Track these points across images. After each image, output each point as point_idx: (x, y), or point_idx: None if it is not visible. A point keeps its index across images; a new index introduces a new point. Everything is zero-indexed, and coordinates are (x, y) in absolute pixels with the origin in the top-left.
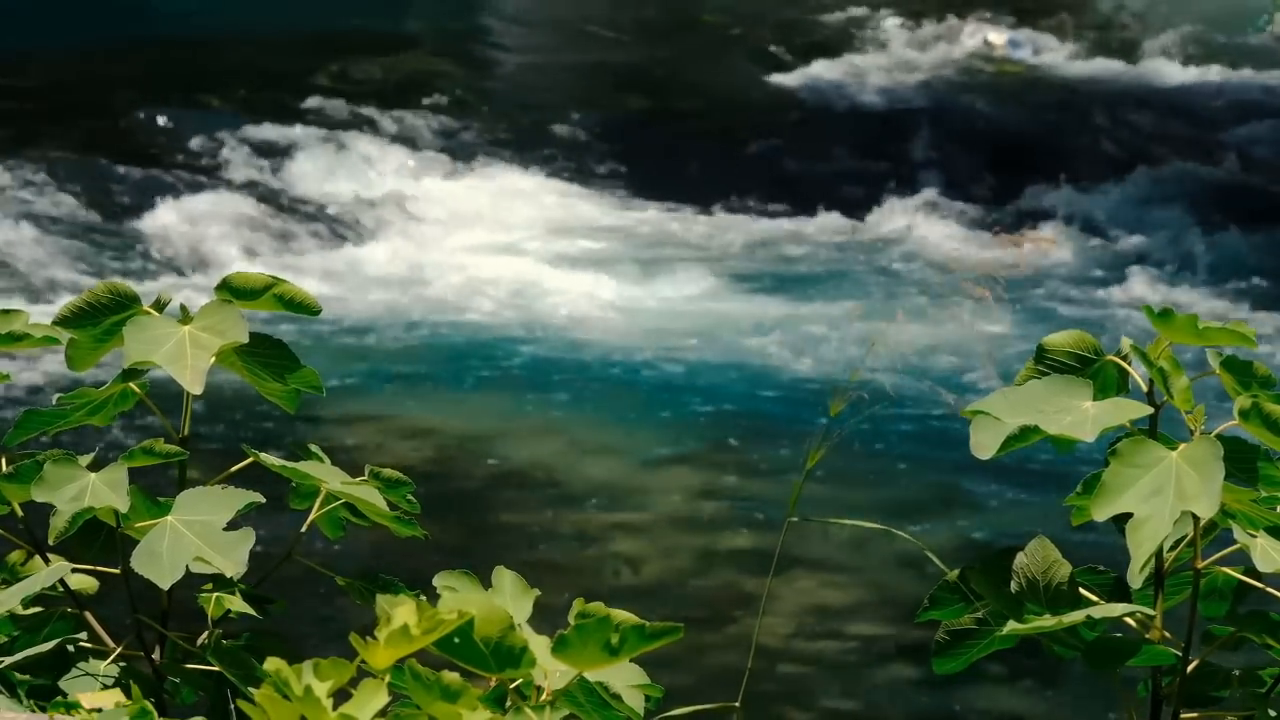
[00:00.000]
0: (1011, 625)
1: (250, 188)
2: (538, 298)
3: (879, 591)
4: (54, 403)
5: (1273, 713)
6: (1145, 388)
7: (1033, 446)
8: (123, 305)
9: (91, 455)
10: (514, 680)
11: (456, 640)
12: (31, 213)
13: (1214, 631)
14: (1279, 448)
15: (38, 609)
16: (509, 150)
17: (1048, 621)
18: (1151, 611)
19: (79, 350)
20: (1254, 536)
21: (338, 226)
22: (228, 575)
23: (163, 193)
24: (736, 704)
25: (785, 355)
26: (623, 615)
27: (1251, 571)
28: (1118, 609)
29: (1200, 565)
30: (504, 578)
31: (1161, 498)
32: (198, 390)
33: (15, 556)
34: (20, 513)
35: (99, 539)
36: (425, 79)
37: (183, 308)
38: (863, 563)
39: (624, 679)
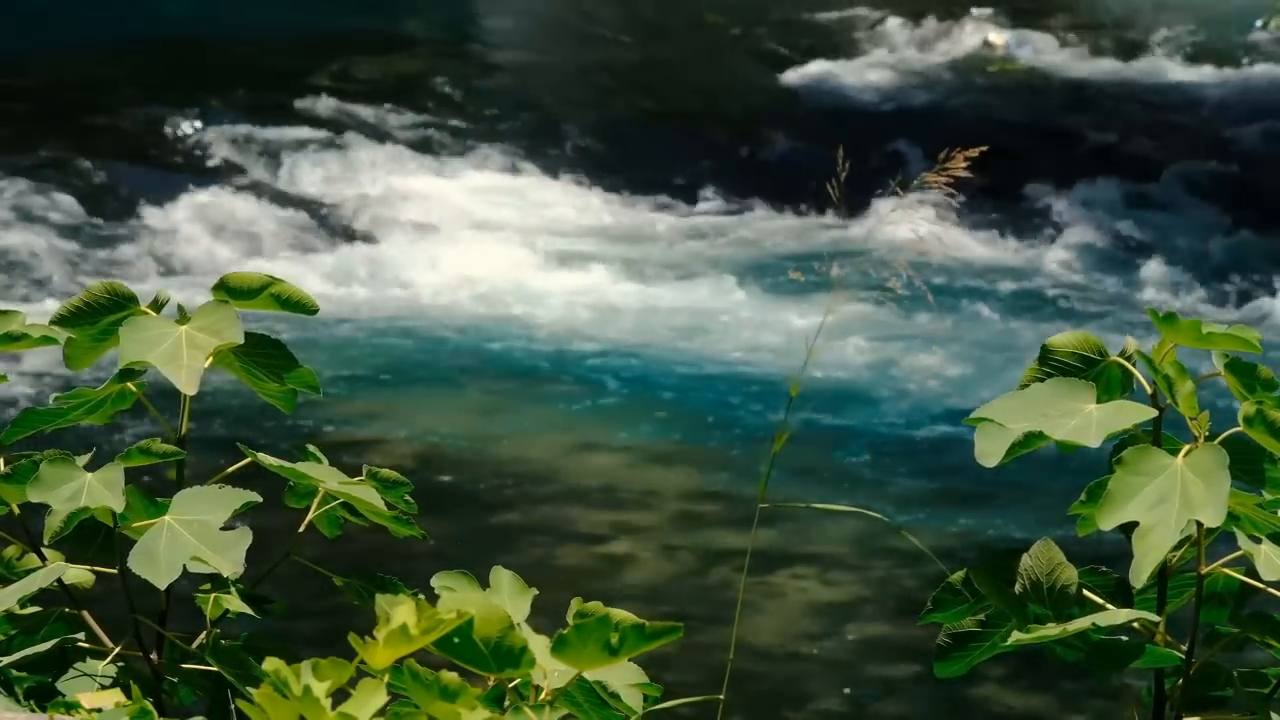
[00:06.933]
0: (1016, 636)
1: (249, 187)
2: (536, 297)
3: (879, 589)
4: (50, 402)
5: (1275, 715)
6: (1149, 389)
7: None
8: (120, 305)
9: (89, 455)
10: (513, 680)
11: (456, 640)
12: (31, 213)
13: (1218, 631)
14: None
15: (35, 609)
16: (509, 150)
17: (1052, 630)
18: (1156, 618)
19: (76, 350)
20: (1258, 542)
21: (336, 226)
22: (225, 575)
23: (162, 192)
24: (720, 696)
25: (784, 355)
26: (622, 614)
27: (1254, 574)
28: (1122, 615)
29: (1204, 570)
30: (502, 577)
31: (1167, 505)
32: (192, 391)
33: (10, 551)
34: (17, 512)
35: (97, 539)
36: (425, 79)
37: (180, 308)
38: (864, 561)
39: (623, 678)
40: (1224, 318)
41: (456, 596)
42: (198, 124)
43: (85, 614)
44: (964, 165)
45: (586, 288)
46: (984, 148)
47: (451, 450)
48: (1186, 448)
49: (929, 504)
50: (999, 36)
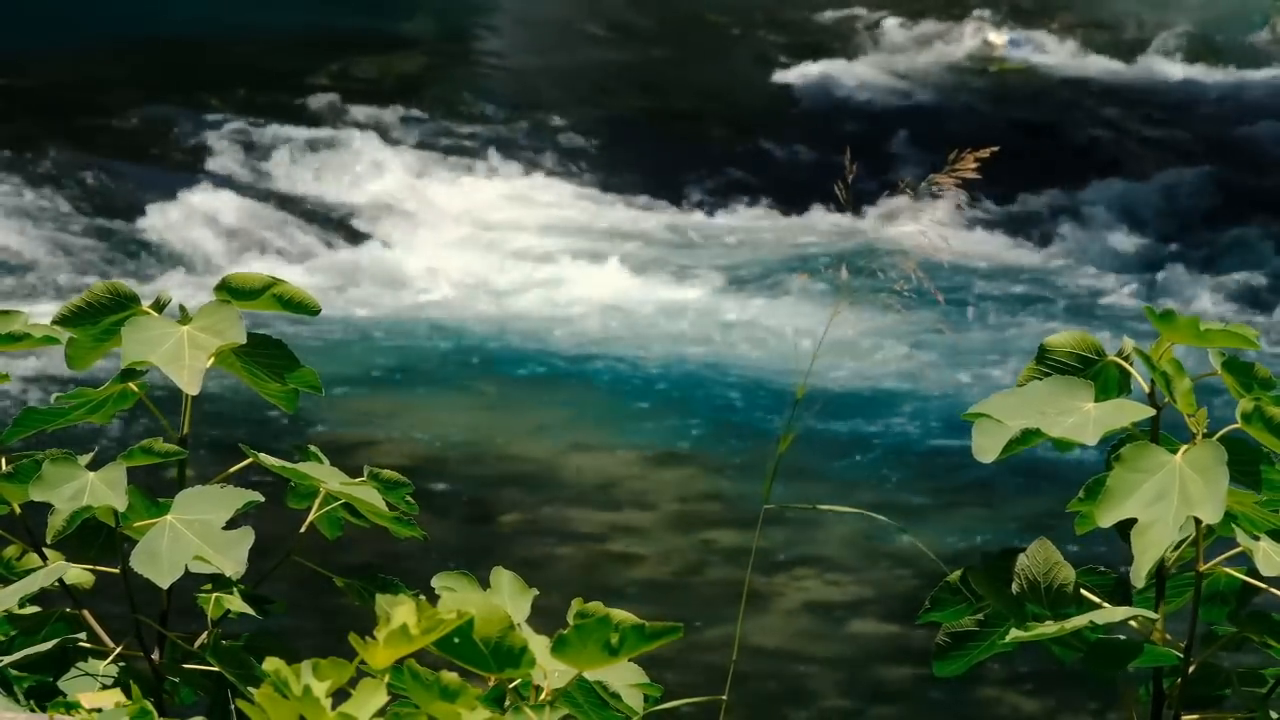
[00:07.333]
0: (1014, 634)
1: (250, 187)
2: (536, 297)
3: (880, 590)
4: (52, 401)
5: (1274, 714)
6: (1147, 388)
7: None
8: (122, 305)
9: (91, 454)
10: (513, 680)
11: (456, 640)
12: (31, 213)
13: (1216, 631)
14: None
15: (36, 608)
16: (508, 150)
17: (1050, 628)
18: (1155, 616)
19: (78, 349)
20: (1256, 539)
21: (337, 226)
22: (227, 574)
23: (162, 192)
24: (723, 697)
25: (789, 358)
26: (622, 615)
27: (1253, 572)
28: (1120, 613)
29: (1203, 568)
30: (502, 577)
31: (1166, 503)
32: (194, 391)
33: (10, 551)
34: (19, 512)
35: (99, 539)
36: (424, 79)
37: (181, 308)
38: (866, 562)
39: (623, 678)
40: (1224, 317)
41: (457, 597)
42: (198, 124)
43: (86, 614)
44: (974, 166)
45: (588, 288)
46: (995, 148)
47: (453, 451)
48: (1185, 445)
49: (932, 510)
50: (999, 36)
